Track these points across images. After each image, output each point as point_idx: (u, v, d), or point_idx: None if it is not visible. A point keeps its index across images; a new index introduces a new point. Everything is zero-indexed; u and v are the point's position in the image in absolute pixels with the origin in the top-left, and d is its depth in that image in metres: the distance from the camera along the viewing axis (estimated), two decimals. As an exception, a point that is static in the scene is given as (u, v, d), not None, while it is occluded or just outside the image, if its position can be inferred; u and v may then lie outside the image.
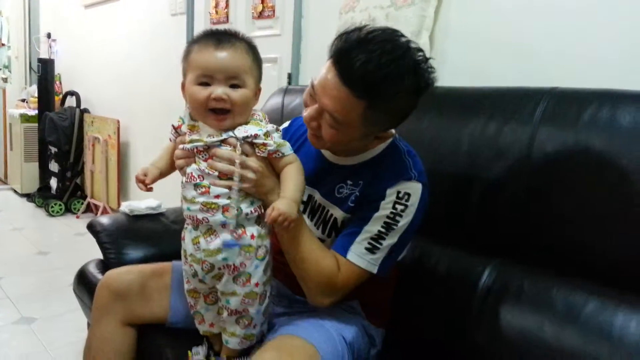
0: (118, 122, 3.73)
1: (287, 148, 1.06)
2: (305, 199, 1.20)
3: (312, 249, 1.09)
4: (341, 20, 1.95)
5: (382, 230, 1.08)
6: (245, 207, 1.04)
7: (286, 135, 1.30)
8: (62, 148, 4.08)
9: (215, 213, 1.02)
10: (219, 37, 1.02)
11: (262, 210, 1.06)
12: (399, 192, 1.09)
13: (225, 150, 1.02)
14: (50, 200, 4.05)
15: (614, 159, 1.11)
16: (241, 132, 1.02)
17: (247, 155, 1.03)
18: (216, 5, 2.83)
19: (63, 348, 2.10)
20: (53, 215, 4.01)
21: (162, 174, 1.15)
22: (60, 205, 4.05)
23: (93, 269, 1.66)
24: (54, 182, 4.24)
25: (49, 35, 4.89)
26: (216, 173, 1.02)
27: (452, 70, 1.65)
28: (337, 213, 1.16)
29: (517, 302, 1.20)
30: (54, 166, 4.21)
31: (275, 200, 1.02)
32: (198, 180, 1.03)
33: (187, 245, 1.10)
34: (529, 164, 1.23)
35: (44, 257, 3.15)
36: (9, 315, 2.35)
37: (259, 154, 1.04)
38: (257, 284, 1.07)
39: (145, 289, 1.30)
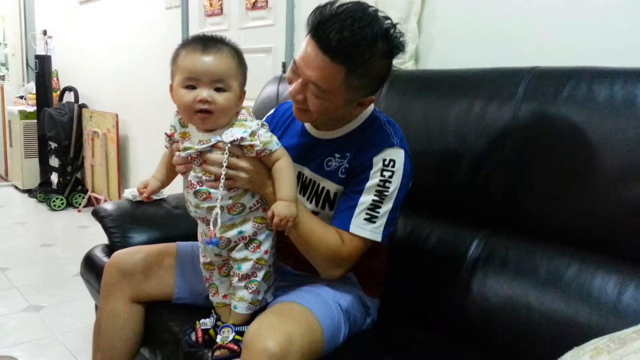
0: (116, 116, 3.79)
1: (273, 144, 1.12)
2: None
3: (313, 227, 1.16)
4: (332, 8, 2.00)
5: (376, 199, 1.16)
6: (247, 202, 1.14)
7: (272, 121, 1.38)
8: (61, 143, 4.13)
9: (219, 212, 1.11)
10: (206, 42, 1.09)
11: (264, 200, 1.16)
12: (384, 160, 1.16)
13: (215, 155, 1.10)
14: (52, 195, 4.11)
15: (591, 131, 1.18)
16: (228, 136, 1.09)
17: (237, 157, 1.11)
18: (210, -2, 2.88)
19: (71, 333, 2.17)
20: (55, 210, 4.07)
21: (163, 184, 1.25)
22: (61, 199, 4.11)
23: (99, 253, 1.73)
24: (54, 177, 4.30)
25: (45, 32, 4.93)
26: (212, 177, 1.10)
27: (439, 54, 1.72)
28: (330, 186, 1.23)
29: (503, 270, 1.27)
30: (54, 161, 4.26)
31: (270, 193, 1.13)
32: (197, 187, 1.12)
33: (204, 227, 1.19)
34: (512, 140, 1.30)
35: (48, 248, 3.22)
36: (17, 303, 2.42)
37: (247, 155, 1.11)
38: (266, 252, 1.17)
39: (152, 268, 1.37)
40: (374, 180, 1.16)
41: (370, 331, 1.32)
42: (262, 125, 1.14)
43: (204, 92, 1.06)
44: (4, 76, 5.55)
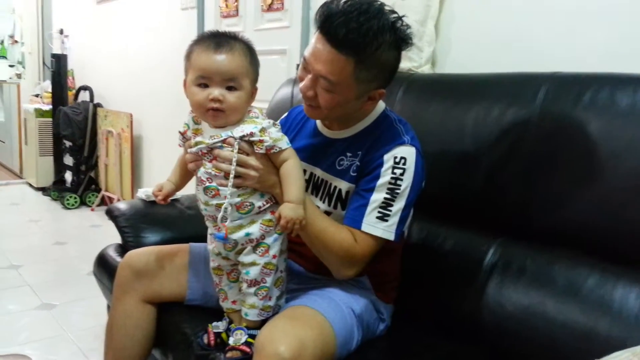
0: (131, 115, 3.81)
1: (283, 142, 1.12)
2: (306, 177, 1.27)
3: (325, 227, 1.15)
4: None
5: (388, 197, 1.15)
6: (257, 201, 1.13)
7: (285, 124, 1.39)
8: (76, 142, 4.16)
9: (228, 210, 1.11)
10: (219, 40, 1.09)
11: (273, 201, 1.15)
12: (395, 158, 1.16)
13: (225, 151, 1.10)
14: (66, 194, 4.13)
15: (612, 138, 1.16)
16: (238, 131, 1.09)
17: (247, 154, 1.10)
18: (227, 0, 2.89)
19: (82, 331, 2.17)
20: (68, 208, 4.09)
21: (178, 187, 1.27)
22: (75, 198, 4.13)
23: (112, 253, 1.73)
24: (68, 176, 4.33)
25: (61, 31, 4.97)
26: (222, 174, 1.10)
27: (457, 58, 1.70)
28: (341, 185, 1.22)
29: (521, 278, 1.25)
30: (68, 160, 4.29)
31: (279, 193, 1.11)
32: (207, 183, 1.11)
33: (213, 227, 1.18)
34: (531, 146, 1.28)
35: (61, 247, 3.23)
36: (29, 301, 2.44)
37: (257, 151, 1.10)
38: (274, 256, 1.15)
39: (164, 268, 1.37)
40: (385, 178, 1.15)
41: (384, 337, 1.30)
42: (274, 124, 1.14)
43: (215, 91, 1.07)
44: (20, 74, 5.60)
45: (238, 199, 1.11)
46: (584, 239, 1.21)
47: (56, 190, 4.29)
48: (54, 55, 4.46)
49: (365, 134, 1.23)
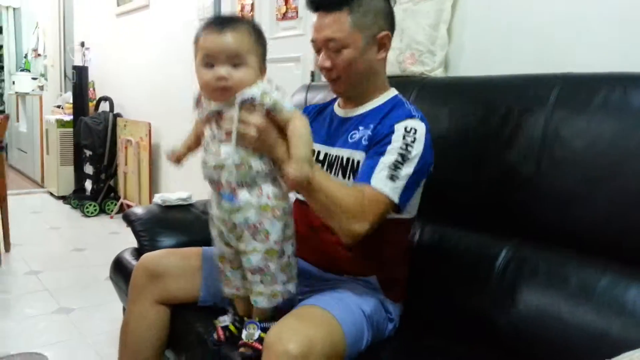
0: (149, 124, 3.87)
1: (284, 104, 1.10)
2: (321, 157, 1.32)
3: (331, 182, 1.15)
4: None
5: (399, 159, 1.17)
6: (254, 163, 1.11)
7: None
8: (96, 151, 4.24)
9: (226, 172, 1.10)
10: (222, 21, 1.11)
11: (272, 166, 1.13)
12: (406, 127, 1.20)
13: (230, 113, 1.09)
14: (85, 202, 4.20)
15: (625, 138, 1.15)
16: (239, 95, 1.08)
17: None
18: (242, 9, 2.93)
19: (99, 336, 2.20)
20: (88, 216, 4.16)
21: (190, 149, 1.26)
22: (94, 206, 4.20)
23: (128, 256, 1.75)
24: (88, 184, 4.40)
25: (82, 44, 5.09)
26: (223, 134, 1.10)
27: (470, 60, 1.70)
28: (354, 155, 1.26)
29: (533, 280, 1.24)
30: (88, 169, 4.37)
31: (280, 154, 1.10)
32: (211, 144, 1.12)
33: (212, 208, 1.19)
34: (544, 147, 1.27)
35: (80, 253, 3.28)
36: (48, 305, 2.48)
37: (260, 112, 1.09)
38: (276, 242, 1.14)
39: (178, 270, 1.39)
40: (396, 143, 1.18)
41: (394, 338, 1.30)
42: (277, 87, 1.12)
43: (221, 70, 1.08)
44: (43, 86, 5.73)
45: (237, 159, 1.09)
46: (596, 239, 1.19)
47: (76, 198, 4.36)
48: (75, 67, 4.57)
49: (377, 111, 1.29)
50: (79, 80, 4.46)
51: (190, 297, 1.39)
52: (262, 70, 1.14)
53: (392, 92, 1.34)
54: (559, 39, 1.48)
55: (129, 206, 4.14)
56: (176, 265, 1.40)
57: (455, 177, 1.43)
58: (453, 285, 1.37)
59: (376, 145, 1.21)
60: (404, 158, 1.17)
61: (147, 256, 1.44)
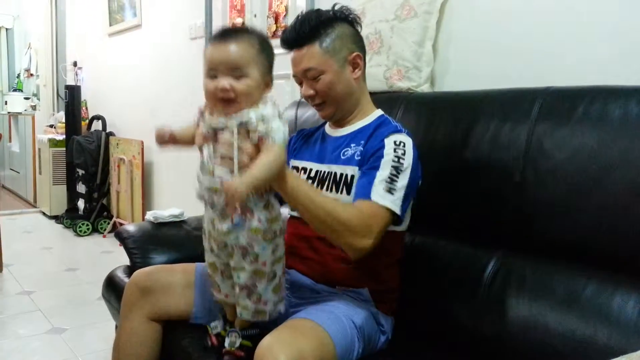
0: (142, 142, 3.88)
1: (279, 135, 1.07)
2: (312, 175, 1.37)
3: (328, 200, 1.17)
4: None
5: (393, 172, 1.21)
6: None
7: (296, 142, 1.50)
8: (89, 170, 4.24)
9: (218, 196, 1.11)
10: (227, 32, 1.13)
11: (265, 191, 1.14)
12: (395, 141, 1.26)
13: (226, 134, 1.09)
14: (78, 221, 4.20)
15: (606, 149, 1.17)
16: (238, 117, 1.08)
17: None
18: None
19: (92, 355, 2.20)
20: (81, 235, 4.15)
21: (176, 139, 1.20)
22: (87, 225, 4.19)
23: (121, 274, 1.75)
24: (81, 203, 4.39)
25: (75, 64, 5.12)
26: (219, 157, 1.11)
27: (455, 76, 1.74)
28: (347, 170, 1.30)
29: (521, 290, 1.26)
30: (81, 188, 4.36)
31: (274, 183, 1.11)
32: (207, 163, 1.12)
33: (206, 223, 1.21)
34: (527, 159, 1.30)
35: (72, 273, 3.27)
36: (40, 326, 2.47)
37: (252, 139, 1.08)
38: (264, 264, 1.16)
39: (171, 286, 1.39)
40: (388, 156, 1.23)
41: (386, 351, 1.31)
42: (280, 114, 1.11)
43: (223, 81, 1.08)
44: (35, 106, 5.74)
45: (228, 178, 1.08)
46: (582, 249, 1.22)
47: (69, 217, 4.35)
48: (67, 87, 4.58)
49: (366, 129, 1.36)
50: (72, 99, 4.47)
51: (182, 313, 1.39)
52: (267, 82, 1.14)
53: (378, 112, 1.41)
54: (540, 55, 1.52)
55: (121, 225, 4.13)
56: (168, 280, 1.40)
57: (442, 190, 1.45)
58: (442, 295, 1.39)
59: (370, 160, 1.25)
60: (397, 170, 1.22)
61: (138, 272, 1.45)
